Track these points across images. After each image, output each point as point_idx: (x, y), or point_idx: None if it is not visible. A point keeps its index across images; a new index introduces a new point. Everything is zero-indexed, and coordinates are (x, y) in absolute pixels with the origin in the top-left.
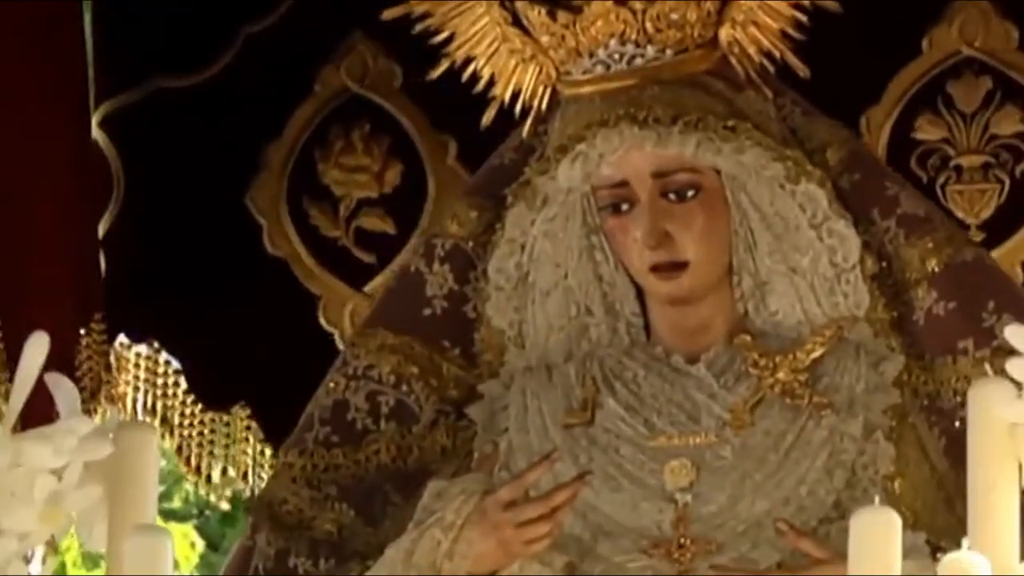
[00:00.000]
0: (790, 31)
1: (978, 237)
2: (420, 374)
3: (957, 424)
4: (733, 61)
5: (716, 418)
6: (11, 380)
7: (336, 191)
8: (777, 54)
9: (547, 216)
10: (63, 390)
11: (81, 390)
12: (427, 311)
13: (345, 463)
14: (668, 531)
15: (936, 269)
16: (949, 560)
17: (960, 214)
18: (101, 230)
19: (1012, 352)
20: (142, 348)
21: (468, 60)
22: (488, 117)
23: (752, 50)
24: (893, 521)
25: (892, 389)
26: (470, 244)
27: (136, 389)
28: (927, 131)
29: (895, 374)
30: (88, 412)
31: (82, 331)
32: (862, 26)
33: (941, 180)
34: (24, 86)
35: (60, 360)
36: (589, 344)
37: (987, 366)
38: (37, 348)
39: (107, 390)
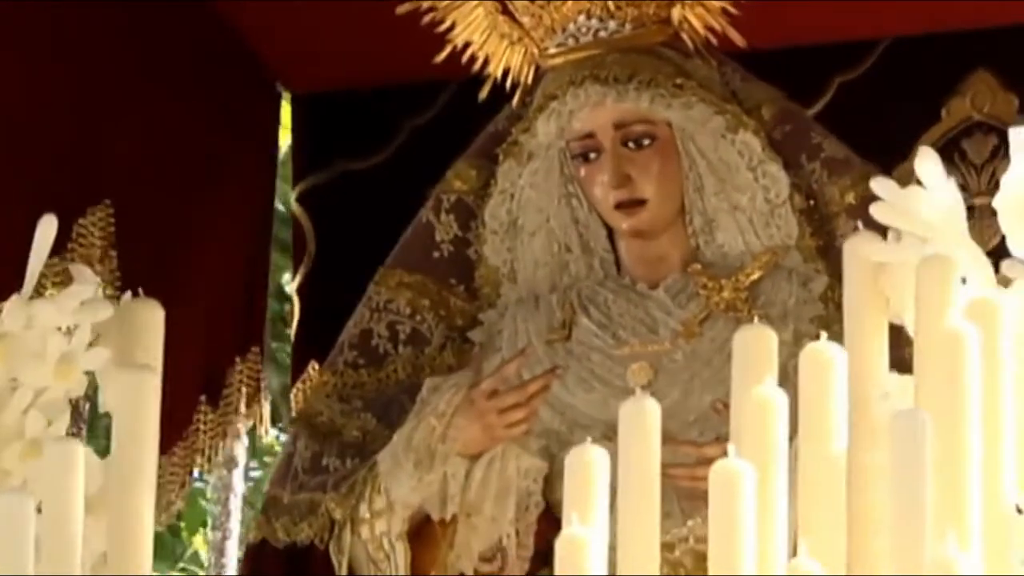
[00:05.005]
0: (730, 8)
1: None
2: (431, 306)
3: None
4: (683, 35)
5: (671, 330)
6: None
7: None
8: (719, 28)
9: (532, 169)
10: (82, 273)
11: (229, 403)
12: (436, 254)
13: (369, 381)
14: None
15: (852, 202)
16: (810, 348)
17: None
18: (296, 281)
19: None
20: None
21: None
22: (483, 93)
23: (699, 25)
24: (769, 335)
25: (818, 303)
26: (471, 197)
27: None
28: None
29: (821, 290)
30: (243, 417)
31: (237, 358)
32: (894, 100)
33: None
34: (218, 166)
35: (215, 378)
36: (569, 277)
37: (858, 223)
38: (47, 227)
39: (256, 407)
